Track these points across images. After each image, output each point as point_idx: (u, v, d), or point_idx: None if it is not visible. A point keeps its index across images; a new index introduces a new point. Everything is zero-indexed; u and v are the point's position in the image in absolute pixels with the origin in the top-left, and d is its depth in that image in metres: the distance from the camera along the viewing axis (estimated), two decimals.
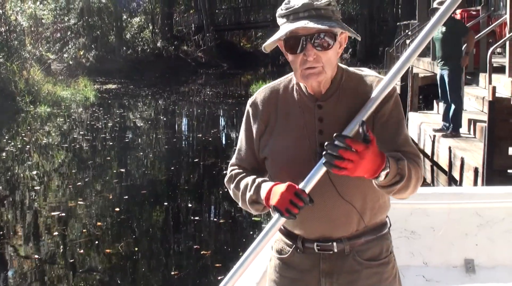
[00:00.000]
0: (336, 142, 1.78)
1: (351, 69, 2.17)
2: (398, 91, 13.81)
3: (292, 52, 2.00)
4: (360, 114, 1.98)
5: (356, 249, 2.12)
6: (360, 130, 1.81)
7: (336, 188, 2.04)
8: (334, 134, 1.78)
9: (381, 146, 1.91)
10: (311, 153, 2.04)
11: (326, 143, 1.79)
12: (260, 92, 2.22)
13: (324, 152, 1.79)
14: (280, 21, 2.03)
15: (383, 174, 1.86)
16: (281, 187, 1.97)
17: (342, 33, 2.03)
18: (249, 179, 2.14)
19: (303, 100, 2.12)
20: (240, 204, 2.22)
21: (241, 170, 2.22)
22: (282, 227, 2.21)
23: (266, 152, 2.16)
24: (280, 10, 2.01)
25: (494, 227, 3.33)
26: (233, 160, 2.27)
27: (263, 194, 2.05)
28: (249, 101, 2.22)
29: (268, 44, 2.05)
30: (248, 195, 2.12)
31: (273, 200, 1.97)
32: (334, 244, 2.11)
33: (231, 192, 2.25)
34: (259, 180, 2.11)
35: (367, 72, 2.16)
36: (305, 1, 1.97)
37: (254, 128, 2.19)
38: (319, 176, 1.95)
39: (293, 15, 1.98)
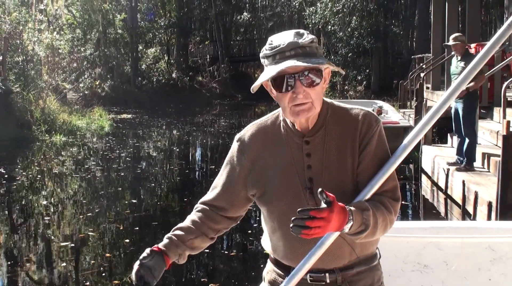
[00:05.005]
0: (301, 216, 1.82)
1: (336, 103, 2.21)
2: (412, 123, 13.84)
3: (281, 90, 2.02)
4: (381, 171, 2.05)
5: (348, 279, 2.15)
6: (320, 197, 1.84)
7: None
8: (298, 210, 1.82)
9: (366, 179, 2.04)
10: (301, 188, 2.10)
11: (292, 218, 1.82)
12: (247, 129, 2.25)
13: (291, 225, 1.82)
14: (265, 61, 2.05)
15: (347, 227, 1.91)
16: None
17: (326, 68, 2.06)
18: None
19: (290, 136, 2.15)
20: None
21: (200, 211, 2.29)
22: (274, 258, 2.25)
23: (256, 189, 2.20)
24: (265, 51, 2.04)
25: (508, 262, 3.27)
26: (204, 198, 2.33)
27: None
28: (236, 137, 2.26)
29: (256, 85, 2.08)
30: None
31: None
32: (327, 275, 2.14)
33: None
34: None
35: (352, 106, 2.20)
36: (290, 40, 2.00)
37: (239, 164, 2.22)
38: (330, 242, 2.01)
39: (280, 54, 2.00)
